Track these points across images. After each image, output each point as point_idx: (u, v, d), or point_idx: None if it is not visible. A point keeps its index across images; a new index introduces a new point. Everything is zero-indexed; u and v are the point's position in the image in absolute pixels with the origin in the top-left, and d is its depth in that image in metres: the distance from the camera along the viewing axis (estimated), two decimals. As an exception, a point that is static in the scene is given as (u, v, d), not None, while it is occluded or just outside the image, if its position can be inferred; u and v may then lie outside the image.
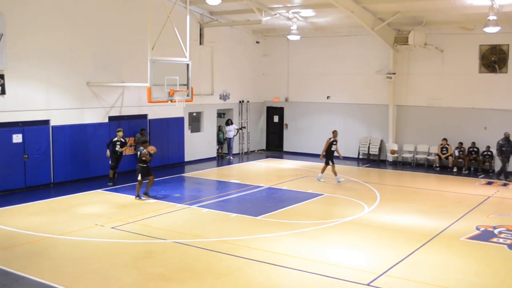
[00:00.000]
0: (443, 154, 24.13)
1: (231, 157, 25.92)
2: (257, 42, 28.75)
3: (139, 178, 16.69)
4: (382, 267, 10.69)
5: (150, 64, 17.68)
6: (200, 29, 24.81)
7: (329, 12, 23.44)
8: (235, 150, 27.36)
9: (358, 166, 25.17)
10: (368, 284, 9.79)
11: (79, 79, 19.52)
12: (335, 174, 20.26)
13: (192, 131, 25.10)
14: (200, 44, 24.80)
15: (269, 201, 17.05)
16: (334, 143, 20.48)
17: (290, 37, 24.63)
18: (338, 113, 27.22)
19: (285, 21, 24.56)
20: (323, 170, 20.40)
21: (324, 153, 20.47)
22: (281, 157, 27.17)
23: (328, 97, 27.44)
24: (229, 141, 26.05)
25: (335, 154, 20.63)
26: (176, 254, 11.56)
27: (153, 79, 17.78)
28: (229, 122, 26.28)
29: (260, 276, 10.26)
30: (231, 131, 26.05)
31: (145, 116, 22.16)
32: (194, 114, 25.27)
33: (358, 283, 9.83)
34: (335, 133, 20.90)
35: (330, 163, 20.34)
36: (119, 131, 18.98)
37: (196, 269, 10.60)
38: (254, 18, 23.84)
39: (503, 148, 21.64)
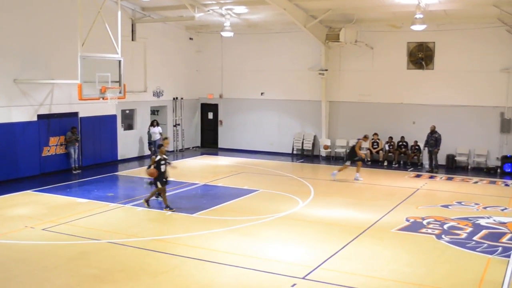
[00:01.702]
0: (374, 148, 24.78)
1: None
2: (191, 39, 28.56)
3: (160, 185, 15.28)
4: (317, 260, 10.87)
5: (80, 61, 17.22)
6: (132, 25, 24.41)
7: (262, 9, 23.56)
8: (170, 147, 27.07)
9: (292, 161, 25.49)
10: (303, 278, 9.94)
11: (5, 76, 18.78)
12: (357, 171, 20.61)
13: (125, 129, 24.68)
14: (132, 40, 24.40)
15: (204, 198, 17.01)
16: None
17: (224, 34, 24.59)
18: (272, 109, 27.45)
19: (218, 17, 24.51)
20: (358, 170, 20.59)
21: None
22: (216, 154, 27.16)
23: (262, 93, 27.62)
24: (154, 143, 23.74)
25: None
26: (110, 255, 11.34)
27: (84, 76, 17.33)
28: (154, 124, 24.53)
29: (197, 273, 10.22)
30: (156, 133, 24.13)
31: (76, 114, 21.58)
32: (127, 111, 24.83)
33: (294, 277, 9.96)
34: (366, 137, 21.31)
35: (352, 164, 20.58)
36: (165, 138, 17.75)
37: (131, 269, 10.44)
38: (187, 14, 23.65)
39: (428, 140, 22.63)
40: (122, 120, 24.38)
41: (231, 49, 28.06)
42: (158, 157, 15.20)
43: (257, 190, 17.98)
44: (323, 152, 26.10)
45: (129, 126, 25.12)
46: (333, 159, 25.75)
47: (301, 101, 26.80)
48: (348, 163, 20.52)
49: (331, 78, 25.92)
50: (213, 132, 29.35)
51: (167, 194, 15.43)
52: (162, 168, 15.10)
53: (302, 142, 26.70)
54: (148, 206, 15.34)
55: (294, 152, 26.96)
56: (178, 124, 27.90)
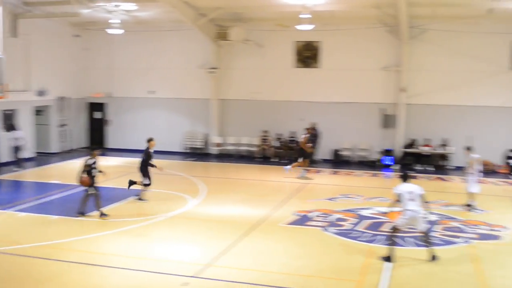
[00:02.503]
0: (264, 145, 25.28)
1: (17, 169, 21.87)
2: (77, 36, 27.56)
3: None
4: (208, 258, 10.93)
5: (-46, 58, 16.12)
6: (14, 20, 23.12)
7: (151, 6, 23.23)
8: (55, 148, 26.04)
9: (184, 160, 25.38)
10: (195, 276, 9.95)
11: None
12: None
13: (7, 130, 23.35)
14: (14, 37, 23.11)
15: (93, 200, 16.46)
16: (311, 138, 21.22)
17: (112, 31, 23.98)
18: (162, 107, 27.20)
19: (106, 14, 23.81)
20: (303, 166, 20.80)
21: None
22: (104, 154, 26.37)
23: (152, 91, 27.27)
24: (16, 149, 21.88)
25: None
26: (-9, 263, 10.72)
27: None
28: (11, 127, 22.44)
29: (85, 278, 9.91)
30: (15, 138, 21.97)
31: (-49, 114, 20.18)
32: (8, 112, 23.50)
33: (185, 276, 9.95)
34: (309, 129, 21.49)
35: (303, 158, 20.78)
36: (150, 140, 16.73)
37: (14, 277, 9.92)
38: (72, 11, 22.81)
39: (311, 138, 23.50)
40: (4, 121, 23.03)
41: (120, 47, 27.44)
42: (91, 161, 14.22)
43: (148, 190, 17.70)
44: (214, 150, 26.23)
45: (10, 128, 23.75)
46: (224, 156, 25.95)
47: (192, 99, 26.76)
48: (300, 159, 20.84)
49: (221, 76, 26.10)
50: (101, 132, 28.54)
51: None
52: (94, 172, 14.25)
53: (193, 141, 26.68)
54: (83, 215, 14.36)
55: (186, 150, 26.88)
56: (65, 125, 26.86)
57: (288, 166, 21.00)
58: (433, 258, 10.83)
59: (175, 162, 24.33)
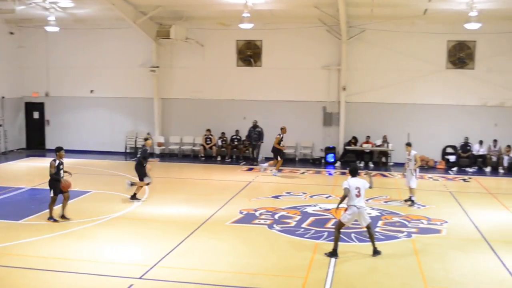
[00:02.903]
0: (208, 144, 25.20)
1: None
2: (11, 33, 26.63)
3: (52, 194, 13.74)
4: (153, 259, 10.78)
5: None
6: None
7: (89, 4, 22.75)
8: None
9: (126, 160, 24.99)
10: (140, 278, 9.81)
11: None
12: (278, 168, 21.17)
13: None
14: None
15: (32, 203, 15.96)
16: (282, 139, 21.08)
17: (48, 29, 23.35)
18: (103, 107, 26.69)
19: (42, 11, 23.14)
20: (278, 166, 21.05)
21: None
22: (43, 156, 25.60)
23: (92, 91, 26.69)
24: None
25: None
26: None
27: None
28: None
29: (26, 284, 9.59)
30: None
31: None
32: None
33: (130, 277, 9.79)
34: (284, 129, 21.26)
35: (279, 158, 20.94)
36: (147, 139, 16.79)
37: (-51, 284, 9.51)
38: (6, 7, 22.02)
39: (250, 134, 23.57)
40: None
41: (58, 45, 26.72)
42: (58, 162, 13.62)
43: (89, 192, 17.34)
44: (157, 150, 25.93)
45: None
46: (167, 156, 25.70)
47: (134, 98, 26.37)
48: (277, 159, 21.05)
49: (163, 75, 25.84)
50: (39, 133, 27.70)
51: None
52: (61, 173, 13.67)
53: (135, 141, 26.30)
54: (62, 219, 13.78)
55: (128, 150, 26.46)
56: (0, 125, 25.92)
57: (265, 164, 21.46)
58: (376, 252, 11.06)
59: (117, 163, 23.93)
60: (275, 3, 22.13)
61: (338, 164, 23.75)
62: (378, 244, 11.31)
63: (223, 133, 25.34)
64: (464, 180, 21.03)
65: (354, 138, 24.46)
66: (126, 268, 10.32)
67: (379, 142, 24.06)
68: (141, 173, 16.19)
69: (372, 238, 11.25)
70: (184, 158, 25.46)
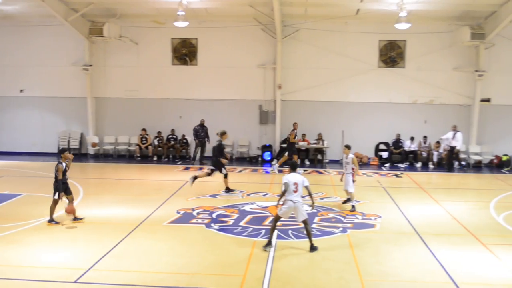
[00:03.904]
0: (143, 144, 24.88)
1: None
2: None
3: (56, 197, 13.38)
4: (88, 262, 10.52)
5: None
6: None
7: (17, 0, 21.97)
8: None
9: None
10: (75, 281, 9.54)
11: None
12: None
13: None
14: None
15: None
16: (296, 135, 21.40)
17: (-26, 25, 22.44)
18: (34, 107, 25.92)
19: (-34, 7, 22.22)
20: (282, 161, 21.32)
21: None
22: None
23: (22, 90, 25.82)
24: None
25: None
26: None
27: None
28: None
29: (-48, 291, 9.18)
30: None
31: None
32: None
33: (65, 281, 9.51)
34: (296, 124, 21.51)
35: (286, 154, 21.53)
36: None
37: None
38: None
39: (198, 133, 23.42)
40: None
41: (-17, 43, 25.71)
42: (64, 164, 13.37)
43: (20, 194, 16.76)
44: (91, 150, 25.38)
45: None
46: (102, 156, 25.19)
47: (66, 98, 25.72)
48: (286, 153, 21.31)
49: (96, 74, 25.31)
50: (-34, 134, 26.55)
51: None
52: (67, 176, 13.51)
53: (68, 141, 25.64)
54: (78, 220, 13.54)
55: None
56: None
57: (275, 164, 21.67)
58: (313, 248, 11.23)
59: (50, 164, 23.11)
60: (210, 2, 22.09)
61: (274, 162, 23.92)
62: (315, 240, 11.48)
63: (159, 132, 25.07)
64: (396, 175, 21.67)
65: (290, 136, 24.71)
66: (60, 272, 10.01)
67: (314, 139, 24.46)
68: (220, 165, 17.08)
69: (309, 234, 11.41)
70: (120, 158, 25.03)
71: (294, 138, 21.67)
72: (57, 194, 13.37)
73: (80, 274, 9.88)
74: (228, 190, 17.17)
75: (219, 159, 17.15)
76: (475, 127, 24.53)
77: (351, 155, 15.12)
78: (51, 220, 13.40)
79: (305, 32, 24.36)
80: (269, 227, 12.20)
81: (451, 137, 22.79)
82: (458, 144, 22.93)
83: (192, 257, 10.98)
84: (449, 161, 23.12)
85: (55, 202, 13.46)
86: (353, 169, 15.00)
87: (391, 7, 21.35)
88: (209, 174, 17.30)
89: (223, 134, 17.37)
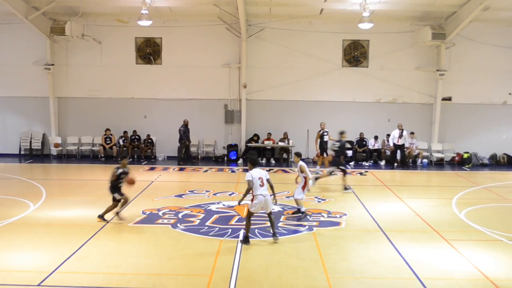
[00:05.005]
0: (107, 144, 24.57)
1: None
2: None
3: (117, 197, 13.58)
4: (53, 264, 10.34)
5: None
6: None
7: (-25, -3, 21.47)
8: None
9: (20, 162, 23.85)
10: (38, 285, 9.36)
11: None
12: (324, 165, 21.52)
13: None
14: None
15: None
16: (325, 134, 21.16)
17: None
18: (-6, 107, 25.31)
19: None
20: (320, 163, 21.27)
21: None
22: None
23: (-20, 90, 25.24)
24: None
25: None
26: None
27: None
28: None
29: None
30: None
31: None
32: None
33: (28, 285, 9.33)
34: (323, 124, 21.44)
35: (325, 154, 21.60)
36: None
37: None
38: None
39: (186, 134, 23.29)
40: None
41: None
42: (120, 170, 13.40)
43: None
44: (54, 151, 24.96)
45: None
46: (65, 157, 24.80)
47: (28, 97, 25.22)
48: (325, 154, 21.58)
49: (58, 73, 24.91)
50: None
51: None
52: (122, 182, 13.49)
53: (30, 142, 25.16)
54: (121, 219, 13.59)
55: (22, 152, 25.27)
56: None
57: (317, 167, 21.73)
58: (275, 235, 11.78)
59: (11, 165, 22.78)
60: (174, 0, 21.99)
61: (240, 161, 23.95)
62: (281, 239, 11.61)
63: (125, 132, 24.80)
64: (361, 173, 21.93)
65: (256, 135, 24.78)
66: (22, 275, 9.82)
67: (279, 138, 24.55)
68: (338, 163, 17.79)
69: (272, 224, 11.86)
70: (83, 159, 24.69)
71: (321, 138, 21.77)
72: (116, 195, 13.54)
73: (44, 277, 9.70)
74: (346, 188, 17.78)
75: (340, 158, 17.96)
76: (437, 125, 25.01)
77: (300, 163, 14.26)
78: (101, 216, 13.57)
79: (270, 32, 24.43)
80: (235, 227, 12.22)
81: (398, 135, 23.24)
82: (406, 142, 23.47)
83: (158, 258, 10.90)
84: (402, 160, 23.58)
85: (114, 204, 13.61)
86: (305, 178, 14.08)
87: (354, 7, 21.59)
88: (345, 174, 18.13)
89: (342, 133, 18.33)
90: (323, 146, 21.82)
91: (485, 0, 20.94)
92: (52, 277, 9.72)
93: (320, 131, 21.89)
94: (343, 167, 18.11)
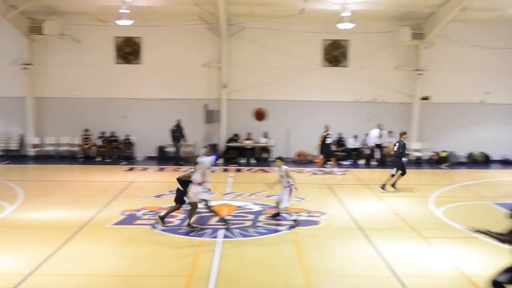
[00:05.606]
0: (86, 144, 24.39)
1: None
2: None
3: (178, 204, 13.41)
4: (29, 267, 10.21)
5: None
6: None
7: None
8: None
9: (-2, 163, 23.57)
10: None
11: None
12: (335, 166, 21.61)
13: None
14: None
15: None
16: (329, 136, 20.85)
17: None
18: (-30, 107, 24.97)
19: None
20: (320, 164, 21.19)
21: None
22: None
23: (-44, 90, 24.88)
24: None
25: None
26: None
27: None
28: None
29: None
30: None
31: None
32: None
33: (4, 288, 9.24)
34: (327, 125, 21.11)
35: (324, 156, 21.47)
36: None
37: None
38: None
39: (175, 134, 23.18)
40: None
41: None
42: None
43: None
44: (31, 152, 24.71)
45: None
46: (43, 157, 24.56)
47: (4, 98, 24.98)
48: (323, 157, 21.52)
49: (36, 73, 24.66)
50: None
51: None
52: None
53: (8, 142, 24.87)
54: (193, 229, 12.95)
55: (-1, 153, 24.99)
56: None
57: (335, 169, 21.54)
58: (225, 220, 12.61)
59: (-12, 166, 22.47)
60: (154, 0, 21.87)
61: (220, 161, 23.91)
62: (261, 238, 11.64)
63: (103, 133, 24.63)
64: (340, 173, 22.00)
65: (236, 135, 24.77)
66: (0, 278, 9.72)
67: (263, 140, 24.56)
68: (399, 165, 17.73)
69: (213, 212, 12.97)
70: (62, 159, 24.47)
71: (324, 140, 21.27)
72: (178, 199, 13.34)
73: (20, 279, 9.58)
74: (383, 187, 17.92)
75: (399, 159, 17.83)
76: (415, 124, 25.24)
77: (283, 167, 13.63)
78: (189, 225, 13.03)
79: (250, 31, 24.44)
80: (215, 226, 12.25)
81: (377, 134, 23.43)
82: (386, 142, 23.69)
83: (137, 259, 10.84)
84: (382, 159, 23.77)
85: (177, 208, 13.41)
86: (291, 184, 13.58)
87: (335, 7, 21.69)
88: (393, 175, 17.99)
89: (403, 134, 18.24)
90: (325, 148, 21.41)
91: (463, 0, 21.19)
92: (29, 280, 9.60)
93: (324, 132, 21.39)
94: (403, 170, 17.89)
